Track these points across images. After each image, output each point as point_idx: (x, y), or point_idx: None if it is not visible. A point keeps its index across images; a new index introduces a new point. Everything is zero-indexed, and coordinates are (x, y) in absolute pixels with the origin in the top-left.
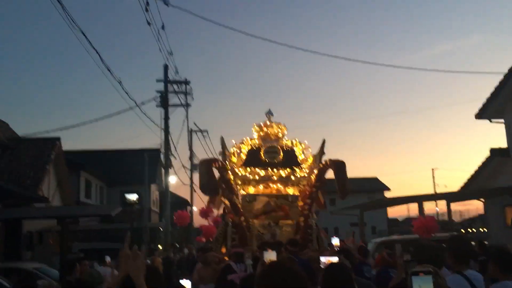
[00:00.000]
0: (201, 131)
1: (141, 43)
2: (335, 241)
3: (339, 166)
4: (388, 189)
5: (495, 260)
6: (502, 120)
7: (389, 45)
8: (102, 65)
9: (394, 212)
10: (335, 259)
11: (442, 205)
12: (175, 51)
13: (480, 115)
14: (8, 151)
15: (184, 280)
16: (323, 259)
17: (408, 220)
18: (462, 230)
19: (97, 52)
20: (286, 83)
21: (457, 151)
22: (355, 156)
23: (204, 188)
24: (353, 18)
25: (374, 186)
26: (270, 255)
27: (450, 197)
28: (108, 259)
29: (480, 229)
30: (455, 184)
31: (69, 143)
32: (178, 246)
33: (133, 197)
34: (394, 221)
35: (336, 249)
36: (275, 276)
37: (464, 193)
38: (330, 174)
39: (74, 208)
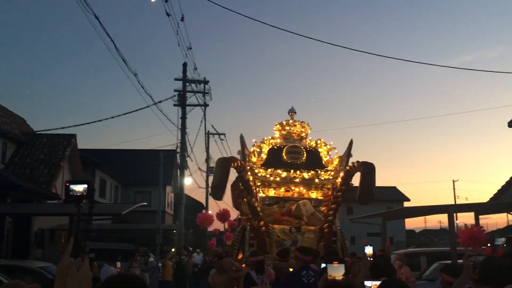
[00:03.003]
0: (218, 134)
1: (159, 39)
2: (368, 250)
3: (367, 168)
4: (407, 199)
5: None
6: None
7: (418, 53)
8: (118, 56)
9: (411, 223)
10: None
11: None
12: (194, 47)
13: None
14: (23, 147)
15: None
16: (368, 283)
17: (426, 231)
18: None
19: (111, 39)
20: (310, 85)
21: (482, 162)
22: (374, 163)
23: (215, 190)
24: (387, 21)
25: (393, 196)
26: (336, 270)
27: (479, 209)
28: (118, 264)
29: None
30: (476, 196)
31: (84, 141)
32: (191, 249)
33: (79, 188)
34: (411, 232)
35: (369, 259)
36: None
37: (501, 204)
38: (354, 180)
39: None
